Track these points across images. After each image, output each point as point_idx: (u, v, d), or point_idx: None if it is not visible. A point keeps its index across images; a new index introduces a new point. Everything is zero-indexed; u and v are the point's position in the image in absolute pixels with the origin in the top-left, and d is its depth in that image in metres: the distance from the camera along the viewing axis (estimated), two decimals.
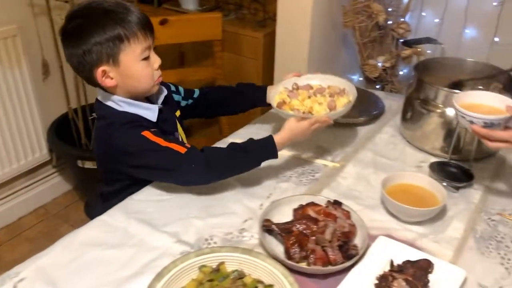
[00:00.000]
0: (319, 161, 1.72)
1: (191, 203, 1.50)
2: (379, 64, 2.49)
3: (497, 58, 1.92)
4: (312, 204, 1.42)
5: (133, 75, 1.40)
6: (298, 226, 1.33)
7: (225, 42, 2.71)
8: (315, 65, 2.56)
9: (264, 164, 1.68)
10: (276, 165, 1.69)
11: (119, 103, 1.43)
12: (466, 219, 1.46)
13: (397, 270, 1.23)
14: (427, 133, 1.74)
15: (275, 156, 1.51)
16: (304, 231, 1.32)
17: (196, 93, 1.77)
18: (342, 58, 2.78)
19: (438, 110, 1.69)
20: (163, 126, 1.51)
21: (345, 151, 1.79)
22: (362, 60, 2.53)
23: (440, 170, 1.64)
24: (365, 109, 2.03)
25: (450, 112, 1.67)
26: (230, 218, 1.44)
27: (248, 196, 1.54)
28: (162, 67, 1.48)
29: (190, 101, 1.76)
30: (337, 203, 1.41)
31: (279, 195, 1.53)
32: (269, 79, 2.69)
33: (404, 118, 1.85)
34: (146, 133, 1.38)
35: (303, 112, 1.62)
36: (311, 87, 1.73)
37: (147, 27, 1.38)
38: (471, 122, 1.36)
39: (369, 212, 1.47)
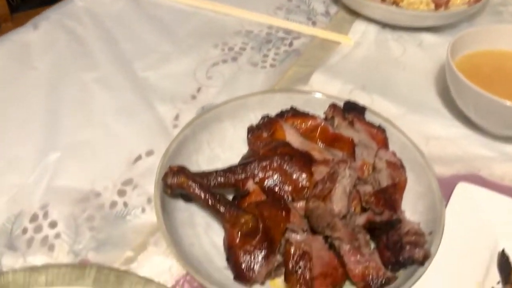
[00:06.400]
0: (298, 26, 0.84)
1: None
2: None
3: None
4: (294, 114, 0.59)
5: None
6: (260, 176, 0.51)
7: None
8: None
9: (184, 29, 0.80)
10: (209, 28, 0.81)
11: None
12: None
13: None
14: None
15: None
16: (277, 190, 0.51)
17: None
18: None
19: None
20: None
21: None
22: None
23: None
24: None
25: None
26: (107, 156, 0.61)
27: (155, 97, 0.69)
28: None
29: None
30: (354, 109, 0.58)
31: (217, 92, 0.69)
32: None
33: None
34: None
35: None
36: None
37: None
38: None
39: (418, 118, 0.66)
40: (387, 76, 0.73)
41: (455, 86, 0.62)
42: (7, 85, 0.70)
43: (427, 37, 0.79)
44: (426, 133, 0.64)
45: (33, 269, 0.41)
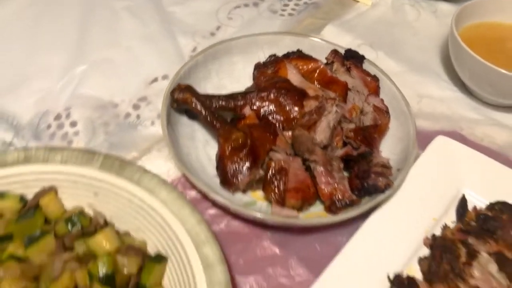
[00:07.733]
0: None
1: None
2: None
3: None
4: (299, 56, 0.64)
5: None
6: (257, 104, 0.57)
7: None
8: None
9: None
10: None
11: None
12: None
13: (477, 227, 0.51)
14: None
15: None
16: (270, 118, 0.57)
17: None
18: None
19: None
20: None
21: None
22: None
23: None
24: None
25: None
26: (128, 75, 0.68)
27: (178, 30, 0.75)
28: None
29: None
30: (353, 57, 0.63)
31: (234, 32, 0.75)
32: None
33: None
34: None
35: None
36: None
37: None
38: None
39: (416, 77, 0.71)
40: (397, 38, 0.77)
41: (454, 49, 0.66)
42: (44, 3, 0.77)
43: (443, 6, 0.82)
44: (421, 92, 0.68)
45: (52, 149, 0.49)
